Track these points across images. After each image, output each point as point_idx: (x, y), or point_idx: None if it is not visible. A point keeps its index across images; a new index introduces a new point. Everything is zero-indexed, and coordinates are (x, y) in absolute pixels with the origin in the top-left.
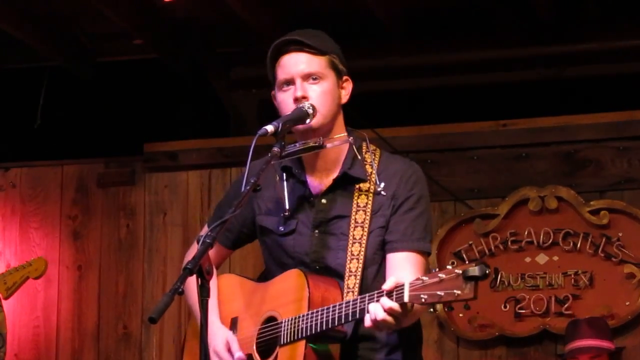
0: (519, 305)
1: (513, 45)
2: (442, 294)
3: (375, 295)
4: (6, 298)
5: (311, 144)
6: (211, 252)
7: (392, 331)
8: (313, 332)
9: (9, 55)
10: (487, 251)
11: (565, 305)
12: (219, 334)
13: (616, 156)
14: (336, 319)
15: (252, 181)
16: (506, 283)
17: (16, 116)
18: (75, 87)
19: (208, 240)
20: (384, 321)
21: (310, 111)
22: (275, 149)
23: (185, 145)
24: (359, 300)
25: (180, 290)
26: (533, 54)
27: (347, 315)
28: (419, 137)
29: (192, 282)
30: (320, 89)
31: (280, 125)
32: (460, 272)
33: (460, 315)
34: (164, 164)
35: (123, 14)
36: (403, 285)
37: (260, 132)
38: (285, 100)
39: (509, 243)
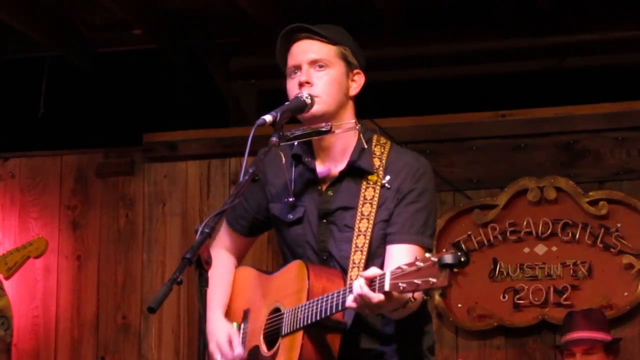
0: (517, 296)
1: (512, 35)
2: (419, 282)
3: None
4: (7, 278)
5: (319, 129)
6: (230, 242)
7: (388, 321)
8: (309, 322)
9: (7, 45)
10: (485, 242)
11: (564, 296)
12: (221, 328)
13: (615, 147)
14: (328, 308)
15: (250, 171)
16: (505, 273)
17: (15, 106)
18: (75, 78)
19: (207, 231)
20: (364, 305)
21: (309, 101)
22: (274, 139)
23: (184, 136)
24: (348, 290)
25: (179, 280)
26: (532, 44)
27: (337, 304)
28: (418, 127)
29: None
30: (326, 77)
31: (279, 115)
32: (436, 260)
33: (459, 305)
34: (163, 154)
35: (122, 4)
36: (384, 274)
37: (259, 122)
38: (292, 87)
39: (508, 233)
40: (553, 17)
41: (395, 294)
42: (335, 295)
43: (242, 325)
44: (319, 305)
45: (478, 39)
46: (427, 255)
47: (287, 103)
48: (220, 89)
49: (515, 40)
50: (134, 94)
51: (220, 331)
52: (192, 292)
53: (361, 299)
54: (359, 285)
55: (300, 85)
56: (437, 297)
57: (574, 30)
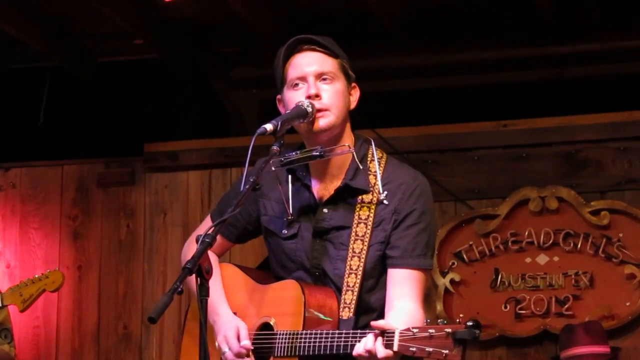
0: (519, 306)
1: (514, 45)
2: (431, 350)
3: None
4: (22, 311)
5: (312, 154)
6: (215, 244)
7: None
8: (306, 353)
9: (9, 55)
10: (487, 252)
11: (566, 306)
12: (231, 322)
13: (617, 156)
14: (328, 347)
15: (251, 180)
16: (506, 283)
17: (17, 116)
18: (76, 87)
19: (207, 240)
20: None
21: (310, 109)
22: (275, 147)
23: (185, 146)
24: (351, 336)
25: (179, 289)
26: (533, 55)
27: (338, 346)
28: (420, 137)
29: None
30: (332, 89)
31: (280, 123)
32: (450, 331)
33: (461, 315)
34: (164, 164)
35: (124, 14)
36: (394, 333)
37: (260, 130)
38: (296, 99)
39: (510, 243)
40: (554, 27)
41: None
42: (337, 336)
43: None
44: (320, 342)
45: (479, 49)
46: (441, 322)
47: (287, 112)
48: (221, 98)
49: (517, 50)
50: (135, 104)
51: (230, 324)
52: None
53: (369, 353)
54: (371, 341)
55: (309, 98)
56: (438, 307)
57: (575, 40)
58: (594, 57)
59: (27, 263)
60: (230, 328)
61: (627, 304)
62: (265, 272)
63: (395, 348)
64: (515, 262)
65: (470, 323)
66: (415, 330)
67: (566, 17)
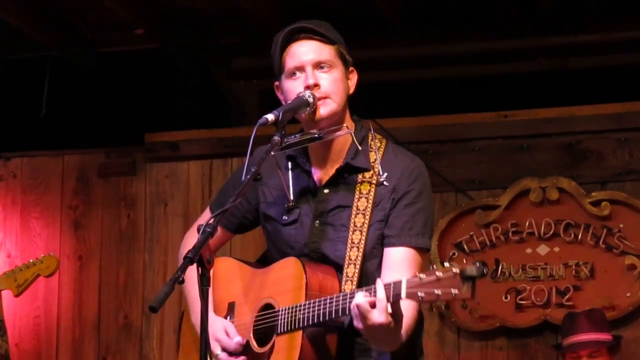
0: (519, 296)
1: (514, 36)
2: (440, 292)
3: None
4: (17, 295)
5: (310, 136)
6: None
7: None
8: (310, 323)
9: (9, 45)
10: (488, 242)
11: (566, 297)
12: (216, 323)
13: (617, 147)
14: (333, 312)
15: (252, 170)
16: (507, 274)
17: (17, 106)
18: (77, 77)
19: (209, 230)
20: (369, 317)
21: (311, 100)
22: (276, 137)
23: (186, 136)
24: (356, 293)
25: (180, 279)
26: (534, 45)
27: (344, 309)
28: (421, 128)
29: (189, 271)
30: (331, 77)
31: (281, 114)
32: (458, 271)
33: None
34: (165, 154)
35: (125, 4)
36: (400, 281)
37: (261, 121)
38: (295, 89)
39: (510, 234)
40: (555, 17)
41: (406, 320)
42: (341, 298)
43: (227, 319)
44: (322, 308)
45: (480, 40)
46: (447, 265)
47: (289, 102)
48: (222, 89)
49: (518, 40)
50: (135, 94)
51: (216, 326)
52: None
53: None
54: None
55: (308, 87)
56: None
57: (576, 30)
58: (595, 48)
59: (28, 253)
60: (218, 329)
61: (628, 294)
62: (264, 264)
63: (404, 295)
64: (515, 252)
65: (477, 262)
66: (422, 276)
67: (567, 7)
